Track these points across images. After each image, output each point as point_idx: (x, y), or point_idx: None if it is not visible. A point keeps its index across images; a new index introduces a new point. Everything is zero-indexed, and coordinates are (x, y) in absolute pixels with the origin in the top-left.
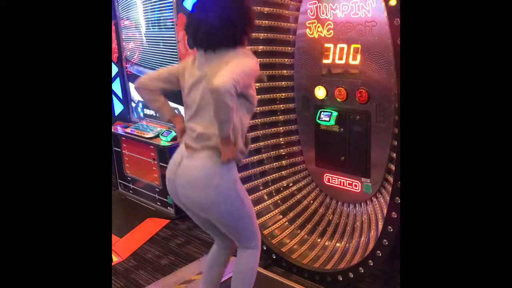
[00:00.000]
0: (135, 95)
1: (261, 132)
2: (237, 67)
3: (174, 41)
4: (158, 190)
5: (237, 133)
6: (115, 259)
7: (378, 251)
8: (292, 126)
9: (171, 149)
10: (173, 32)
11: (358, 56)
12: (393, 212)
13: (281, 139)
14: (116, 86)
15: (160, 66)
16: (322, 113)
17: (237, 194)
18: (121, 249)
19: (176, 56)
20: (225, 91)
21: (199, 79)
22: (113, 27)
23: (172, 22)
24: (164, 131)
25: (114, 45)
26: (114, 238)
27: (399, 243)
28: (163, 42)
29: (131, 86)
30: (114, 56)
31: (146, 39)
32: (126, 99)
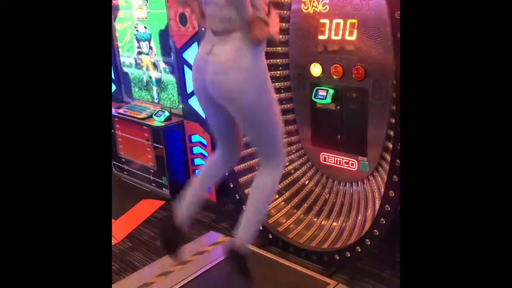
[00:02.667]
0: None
1: None
2: None
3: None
4: (152, 171)
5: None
6: None
7: (375, 230)
8: (288, 105)
9: (165, 130)
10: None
11: (355, 32)
12: (391, 191)
13: None
14: None
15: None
16: (318, 90)
17: (267, 85)
18: (116, 231)
19: None
20: None
21: None
22: None
23: None
24: (157, 111)
25: None
26: None
27: (398, 222)
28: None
29: (124, 66)
30: None
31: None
32: (118, 79)
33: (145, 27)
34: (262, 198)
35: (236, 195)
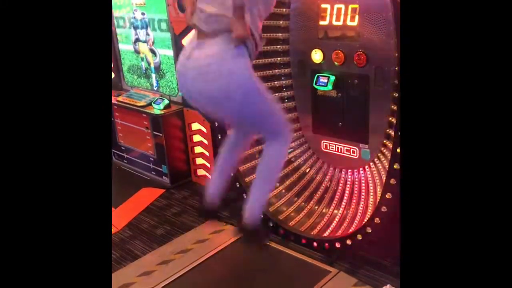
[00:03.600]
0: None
1: None
2: None
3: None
4: (152, 159)
5: (248, 13)
6: None
7: (377, 218)
8: (288, 92)
9: (164, 118)
10: None
11: (356, 17)
12: (392, 179)
13: None
14: None
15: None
16: (319, 77)
17: (253, 83)
18: (116, 219)
19: None
20: None
21: None
22: None
23: None
24: (156, 99)
25: None
26: None
27: (398, 210)
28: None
29: (122, 52)
30: None
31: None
32: (117, 66)
33: (142, 14)
34: (273, 166)
35: (237, 183)
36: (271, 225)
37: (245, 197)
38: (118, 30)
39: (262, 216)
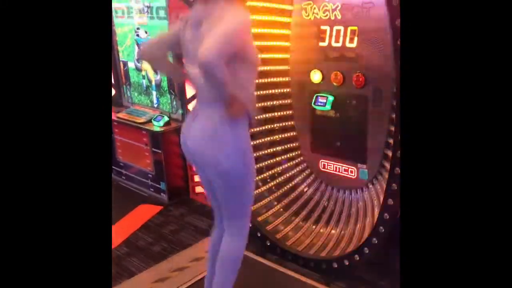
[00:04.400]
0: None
1: None
2: (224, 29)
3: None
4: (151, 176)
5: (241, 91)
6: None
7: (374, 239)
8: (287, 112)
9: (164, 135)
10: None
11: (355, 39)
12: (390, 199)
13: (275, 124)
14: None
15: None
16: (318, 97)
17: (245, 155)
18: (113, 235)
19: None
20: (210, 63)
21: (196, 38)
22: None
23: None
24: (156, 116)
25: None
26: None
27: (397, 230)
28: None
29: (123, 69)
30: None
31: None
32: (117, 82)
33: (146, 32)
34: (230, 268)
35: None
36: (268, 243)
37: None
38: (120, 48)
39: None
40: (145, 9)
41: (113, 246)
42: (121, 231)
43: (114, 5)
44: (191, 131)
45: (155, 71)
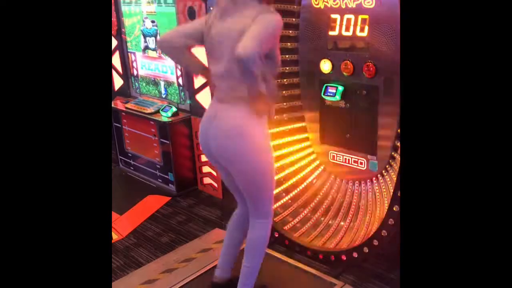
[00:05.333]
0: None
1: None
2: (261, 28)
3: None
4: (159, 166)
5: (264, 88)
6: (115, 236)
7: (384, 231)
8: (296, 102)
9: (171, 125)
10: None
11: (366, 28)
12: (400, 191)
13: (284, 115)
14: (116, 60)
15: None
16: (328, 87)
17: (267, 150)
18: (121, 226)
19: None
20: (249, 60)
21: (224, 34)
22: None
23: None
24: (164, 107)
25: (113, 18)
26: (114, 215)
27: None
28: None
29: (131, 59)
30: (114, 29)
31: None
32: (126, 73)
33: (152, 22)
34: (258, 252)
35: None
36: (276, 235)
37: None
38: (128, 38)
39: None
40: None
41: (121, 237)
42: (129, 222)
43: None
44: (213, 131)
45: (176, 63)
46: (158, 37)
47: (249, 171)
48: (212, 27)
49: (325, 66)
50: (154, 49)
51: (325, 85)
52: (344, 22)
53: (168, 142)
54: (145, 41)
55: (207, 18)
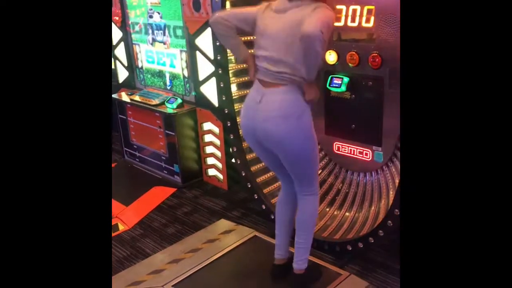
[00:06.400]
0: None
1: None
2: (323, 17)
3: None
4: (164, 158)
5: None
6: (121, 227)
7: (389, 221)
8: None
9: (177, 117)
10: None
11: (372, 19)
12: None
13: None
14: (121, 52)
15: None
16: (333, 78)
17: (312, 133)
18: (127, 217)
19: None
20: (315, 37)
21: (280, 24)
22: None
23: None
24: (169, 98)
25: (118, 9)
26: (120, 206)
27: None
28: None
29: (135, 51)
30: (118, 21)
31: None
32: (130, 65)
33: (159, 13)
34: (310, 225)
35: (248, 183)
36: None
37: (256, 197)
38: (132, 30)
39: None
40: None
41: (127, 228)
42: (135, 213)
43: None
44: (259, 114)
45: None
46: (166, 31)
47: (300, 151)
48: (267, 17)
49: (331, 57)
50: (161, 42)
51: (331, 76)
52: (350, 13)
53: (173, 133)
54: (153, 34)
55: (260, 8)
